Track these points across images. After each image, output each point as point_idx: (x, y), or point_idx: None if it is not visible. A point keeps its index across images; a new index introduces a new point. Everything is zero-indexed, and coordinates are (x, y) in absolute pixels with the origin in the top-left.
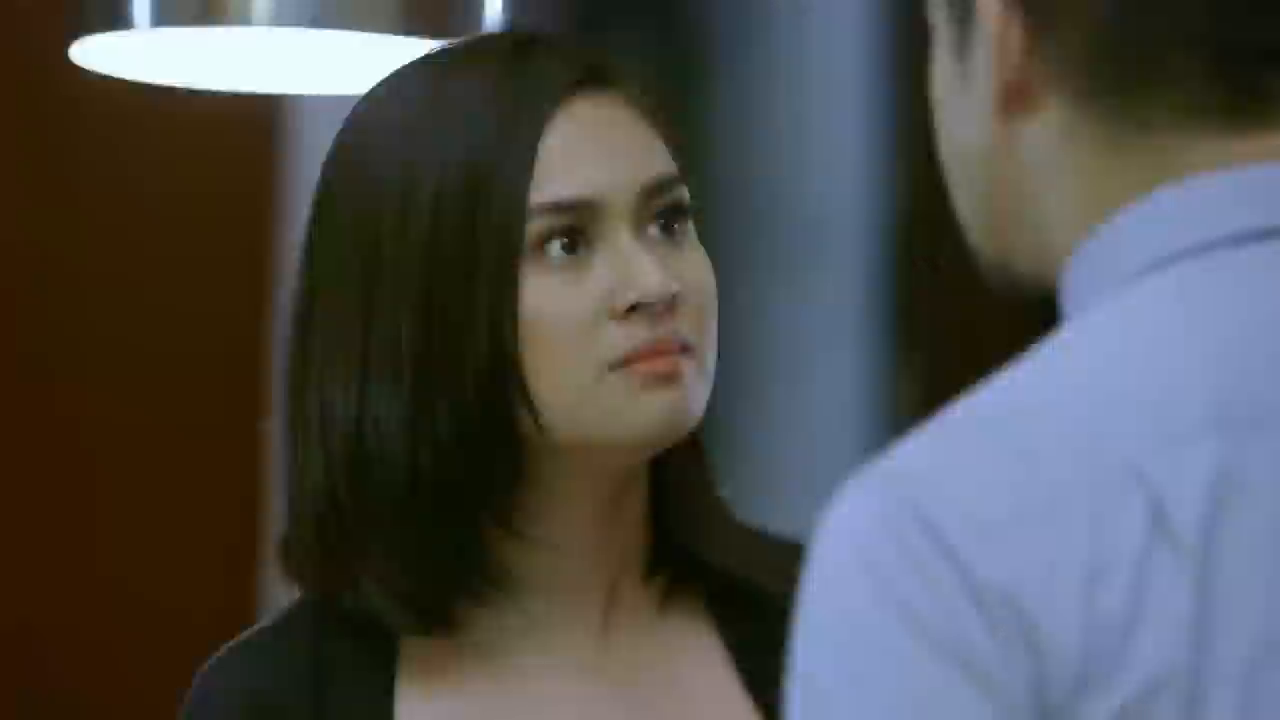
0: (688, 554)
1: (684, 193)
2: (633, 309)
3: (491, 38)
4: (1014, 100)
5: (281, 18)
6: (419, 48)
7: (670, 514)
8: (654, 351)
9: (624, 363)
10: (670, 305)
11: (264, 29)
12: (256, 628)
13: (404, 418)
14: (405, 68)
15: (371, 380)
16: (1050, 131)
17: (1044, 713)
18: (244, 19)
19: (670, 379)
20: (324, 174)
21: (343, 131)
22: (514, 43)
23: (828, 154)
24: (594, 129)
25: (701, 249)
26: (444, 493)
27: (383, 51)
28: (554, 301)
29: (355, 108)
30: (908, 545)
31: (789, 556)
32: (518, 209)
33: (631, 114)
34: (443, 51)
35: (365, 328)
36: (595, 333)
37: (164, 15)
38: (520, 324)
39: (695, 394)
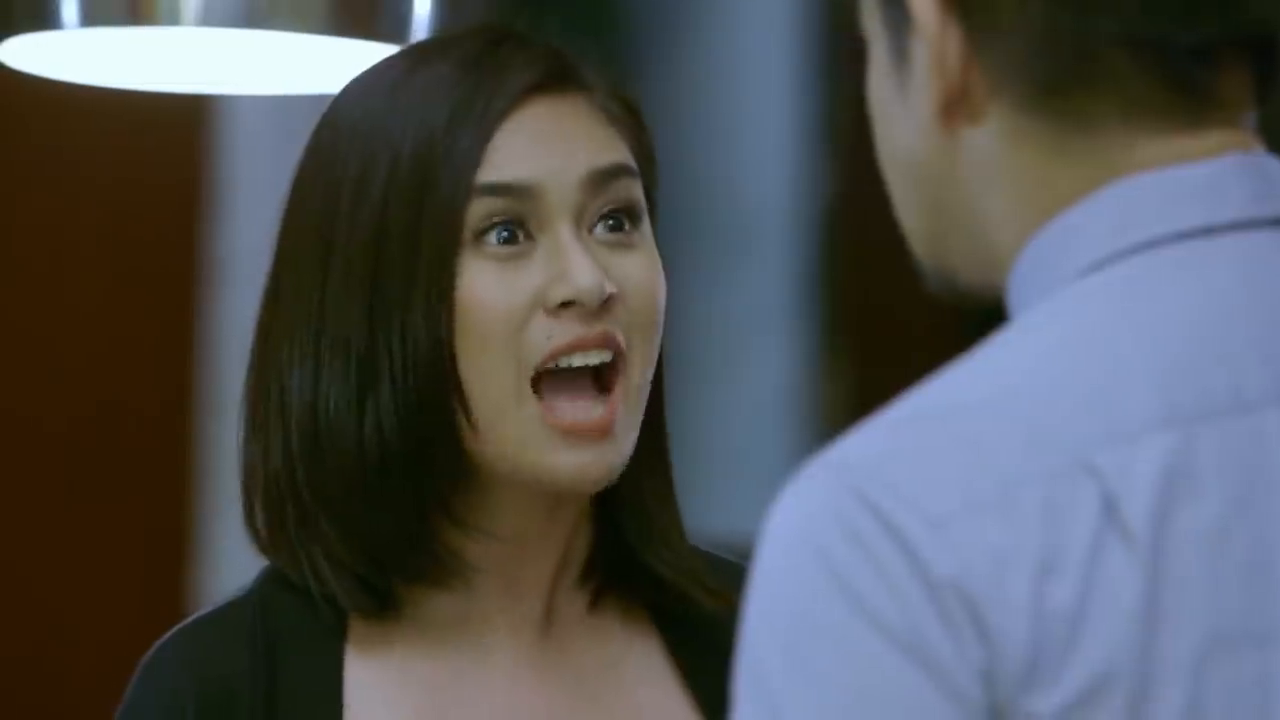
0: (630, 560)
1: (634, 189)
2: (566, 305)
3: (470, 33)
4: (954, 107)
5: (210, 18)
6: (348, 48)
7: (620, 521)
8: (578, 345)
9: (550, 358)
10: (606, 305)
11: (193, 29)
12: (208, 608)
13: (352, 402)
14: (387, 58)
15: (324, 363)
16: (992, 137)
17: (994, 707)
18: (172, 19)
19: (593, 433)
20: (300, 160)
21: (321, 118)
22: (487, 39)
23: (756, 148)
24: (548, 126)
25: (655, 254)
26: (388, 479)
27: (311, 52)
28: (490, 290)
29: (336, 95)
30: (860, 537)
31: (735, 578)
32: (462, 196)
33: (593, 115)
34: (422, 43)
35: (320, 310)
36: (527, 326)
37: (92, 15)
38: (456, 311)
39: (622, 436)
